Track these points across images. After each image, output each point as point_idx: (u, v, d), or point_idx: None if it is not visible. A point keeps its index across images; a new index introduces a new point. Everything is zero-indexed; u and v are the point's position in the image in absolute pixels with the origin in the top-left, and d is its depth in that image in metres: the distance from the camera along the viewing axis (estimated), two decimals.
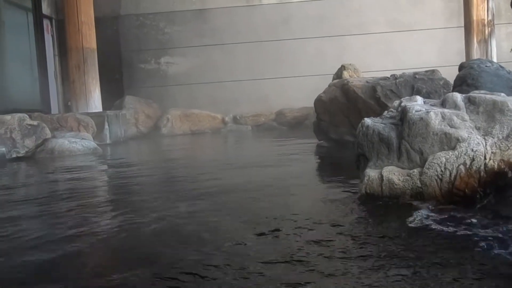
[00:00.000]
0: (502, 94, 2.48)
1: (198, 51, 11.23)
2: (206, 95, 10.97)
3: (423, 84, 4.76)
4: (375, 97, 4.93)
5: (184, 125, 10.11)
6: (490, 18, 8.31)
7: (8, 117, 6.15)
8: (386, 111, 2.79)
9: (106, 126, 7.86)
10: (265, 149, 6.26)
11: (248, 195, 2.92)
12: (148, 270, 1.66)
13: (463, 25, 8.74)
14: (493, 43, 8.33)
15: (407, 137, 2.45)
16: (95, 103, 8.27)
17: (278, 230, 2.07)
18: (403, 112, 2.53)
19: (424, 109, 2.48)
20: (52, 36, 10.39)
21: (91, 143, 6.60)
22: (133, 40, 11.26)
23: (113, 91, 10.26)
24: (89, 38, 8.15)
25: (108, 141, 7.82)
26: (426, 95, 4.46)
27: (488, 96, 2.40)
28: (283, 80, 10.95)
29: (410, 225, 2.03)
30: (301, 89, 10.22)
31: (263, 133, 9.25)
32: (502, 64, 3.90)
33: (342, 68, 7.62)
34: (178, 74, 11.28)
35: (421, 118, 2.41)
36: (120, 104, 9.89)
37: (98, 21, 8.76)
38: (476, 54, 8.11)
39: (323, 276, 1.53)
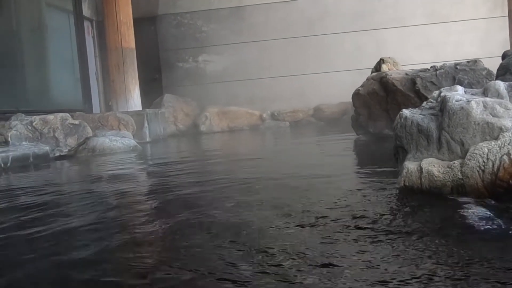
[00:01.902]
0: None
1: (235, 48, 11.28)
2: (244, 92, 11.02)
3: (465, 75, 4.63)
4: (414, 90, 4.83)
5: (222, 122, 10.17)
6: None
7: (51, 116, 6.32)
8: (425, 102, 2.72)
9: (146, 124, 7.99)
10: (305, 145, 6.23)
11: (293, 187, 2.92)
12: None
13: (507, 14, 8.48)
14: None
15: (447, 127, 2.38)
16: (135, 102, 8.41)
17: (317, 224, 2.05)
18: (443, 102, 2.46)
19: (464, 99, 2.41)
20: (93, 37, 10.63)
21: (131, 141, 6.71)
22: (171, 39, 11.41)
23: (153, 90, 10.44)
24: (128, 38, 8.30)
25: (147, 139, 7.94)
26: (468, 86, 4.34)
27: None
28: (320, 76, 10.88)
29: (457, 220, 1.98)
30: (338, 84, 10.14)
31: (302, 129, 9.21)
32: None
33: (381, 61, 7.50)
34: (215, 72, 11.36)
35: (462, 108, 2.34)
36: (159, 102, 10.03)
37: (136, 21, 8.91)
38: None
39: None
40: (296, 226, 2.03)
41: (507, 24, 8.44)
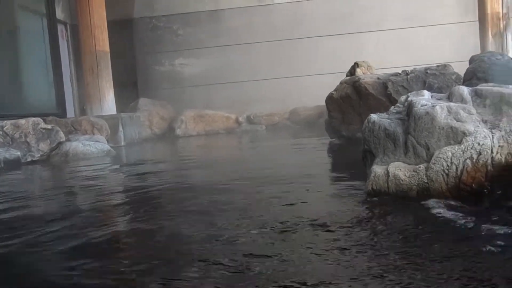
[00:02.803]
0: (511, 86, 2.42)
1: (212, 51, 11.25)
2: (221, 95, 10.99)
3: (435, 79, 4.69)
4: (386, 94, 4.88)
5: (198, 126, 10.14)
6: (505, 11, 8.18)
7: (22, 121, 6.22)
8: (392, 107, 2.75)
9: (120, 129, 7.92)
10: (279, 148, 6.24)
11: (261, 191, 2.92)
12: None
13: (477, 19, 8.63)
14: (509, 36, 8.20)
15: (413, 132, 2.41)
16: (109, 105, 8.33)
17: (283, 223, 2.06)
18: (409, 107, 2.49)
19: (430, 103, 2.44)
20: (67, 40, 10.51)
21: (105, 146, 6.64)
22: (147, 43, 11.33)
23: (129, 94, 10.35)
24: (102, 42, 8.22)
25: (122, 143, 7.88)
26: (438, 90, 4.40)
27: (495, 89, 2.35)
28: (299, 79, 10.91)
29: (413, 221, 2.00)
30: (317, 87, 10.14)
31: (277, 132, 9.23)
32: None
33: (356, 65, 7.55)
34: (192, 76, 11.31)
35: (427, 113, 2.37)
36: (134, 106, 9.96)
37: (111, 24, 8.83)
38: (491, 47, 7.99)
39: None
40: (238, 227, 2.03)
41: (478, 29, 8.59)
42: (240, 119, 10.39)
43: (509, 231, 1.75)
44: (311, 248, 1.76)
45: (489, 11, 8.15)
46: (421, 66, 5.28)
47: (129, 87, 10.61)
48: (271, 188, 3.02)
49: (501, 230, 1.77)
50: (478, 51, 8.37)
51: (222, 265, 1.63)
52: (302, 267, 1.58)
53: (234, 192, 3.02)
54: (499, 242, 1.64)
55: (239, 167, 4.39)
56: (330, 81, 8.54)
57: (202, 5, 11.28)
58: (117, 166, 5.35)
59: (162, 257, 1.79)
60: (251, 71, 11.07)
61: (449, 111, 2.34)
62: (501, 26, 8.12)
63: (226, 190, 3.12)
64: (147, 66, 11.29)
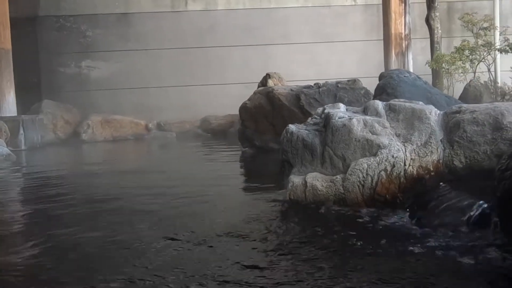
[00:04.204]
0: (420, 102, 2.56)
1: (122, 55, 10.94)
2: (131, 101, 10.70)
3: (345, 93, 4.87)
4: (299, 105, 4.99)
5: (106, 131, 9.79)
6: (407, 32, 8.66)
7: None
8: (310, 118, 2.81)
9: (21, 132, 7.48)
10: (190, 157, 6.18)
11: (174, 203, 2.86)
12: None
13: (382, 38, 9.08)
14: (410, 56, 8.70)
15: (330, 143, 2.47)
16: (10, 106, 7.84)
17: (194, 232, 2.04)
18: (327, 119, 2.56)
19: (347, 116, 2.52)
20: None
21: (4, 149, 6.24)
22: (52, 43, 10.80)
23: (31, 95, 9.78)
24: (3, 39, 7.74)
25: (23, 147, 7.44)
26: (348, 104, 4.54)
27: (408, 104, 2.48)
28: (209, 87, 10.89)
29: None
30: (227, 96, 10.20)
31: (188, 140, 9.14)
32: None
33: (267, 76, 7.69)
34: (100, 79, 10.93)
35: (344, 125, 2.45)
36: (37, 108, 9.42)
37: (14, 21, 8.32)
38: (394, 66, 8.41)
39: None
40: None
41: (382, 47, 9.03)
42: (150, 125, 10.18)
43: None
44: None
45: (392, 31, 8.58)
46: (328, 80, 5.45)
47: (32, 88, 10.04)
48: (183, 200, 2.97)
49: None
50: (382, 68, 8.80)
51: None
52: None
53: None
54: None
55: (148, 178, 4.28)
56: (240, 90, 8.64)
57: (112, 8, 10.95)
58: (14, 171, 5.04)
59: None
60: (160, 77, 10.89)
61: (365, 124, 2.43)
62: (404, 46, 8.60)
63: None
64: (52, 67, 10.75)
